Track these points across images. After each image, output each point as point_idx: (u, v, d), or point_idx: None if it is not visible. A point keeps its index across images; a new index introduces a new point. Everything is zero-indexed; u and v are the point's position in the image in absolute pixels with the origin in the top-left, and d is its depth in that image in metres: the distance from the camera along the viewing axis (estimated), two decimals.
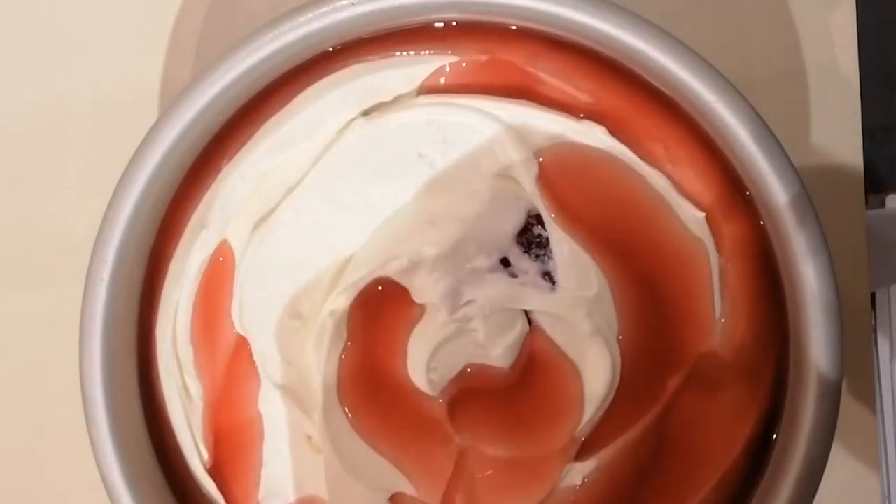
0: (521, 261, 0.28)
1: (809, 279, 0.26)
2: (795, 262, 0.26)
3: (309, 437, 0.28)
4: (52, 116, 0.34)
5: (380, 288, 0.28)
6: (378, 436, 0.28)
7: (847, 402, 0.26)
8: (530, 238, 0.28)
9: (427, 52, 0.28)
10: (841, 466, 0.32)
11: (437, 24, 0.27)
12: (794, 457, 0.26)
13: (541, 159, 0.27)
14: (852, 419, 0.32)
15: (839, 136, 0.32)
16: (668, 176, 0.27)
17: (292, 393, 0.28)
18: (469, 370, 0.28)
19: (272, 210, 0.28)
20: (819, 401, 0.26)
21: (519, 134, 0.27)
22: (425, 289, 0.28)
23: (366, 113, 0.28)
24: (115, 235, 0.27)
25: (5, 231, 0.34)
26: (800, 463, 0.26)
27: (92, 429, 0.27)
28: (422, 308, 0.28)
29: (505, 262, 0.28)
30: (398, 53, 0.28)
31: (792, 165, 0.26)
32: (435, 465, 0.28)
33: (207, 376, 0.28)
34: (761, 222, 0.27)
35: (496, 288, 0.28)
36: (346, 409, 0.28)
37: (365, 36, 0.27)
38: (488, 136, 0.27)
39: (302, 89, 0.28)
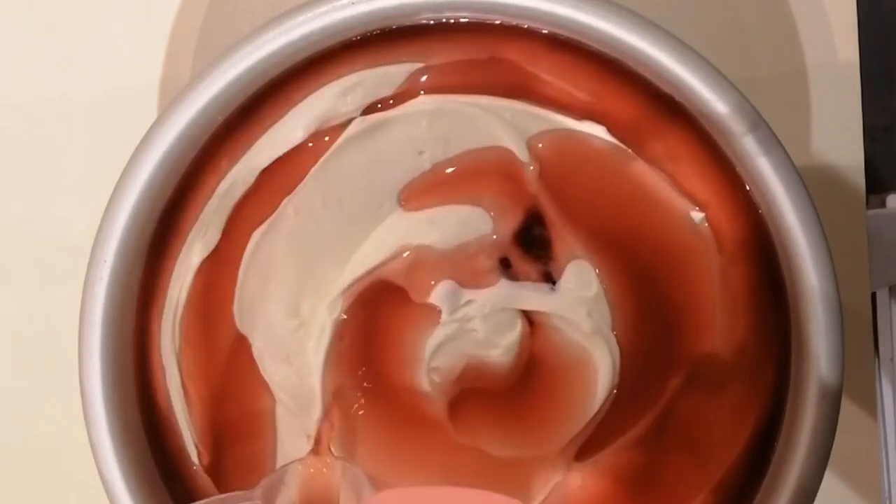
0: (521, 261, 0.28)
1: (810, 278, 0.26)
2: (797, 261, 0.26)
3: (309, 437, 0.28)
4: (51, 116, 0.34)
5: (380, 288, 0.28)
6: (377, 436, 0.28)
7: (847, 402, 0.26)
8: (530, 238, 0.28)
9: (427, 50, 0.28)
10: (841, 466, 0.32)
11: (436, 23, 0.27)
12: (795, 457, 0.26)
13: (541, 159, 0.27)
14: (852, 419, 0.32)
15: (839, 136, 0.32)
16: (669, 175, 0.27)
17: (292, 393, 0.28)
18: (469, 370, 0.28)
19: (272, 210, 0.28)
20: (820, 401, 0.26)
21: (519, 133, 0.27)
22: (425, 289, 0.28)
23: (366, 111, 0.28)
24: (115, 235, 0.26)
25: (5, 231, 0.34)
26: (800, 463, 0.26)
27: (91, 429, 0.27)
28: (422, 308, 0.28)
29: (505, 263, 0.28)
30: (398, 52, 0.28)
31: (792, 163, 0.26)
32: (432, 462, 0.28)
33: (207, 376, 0.28)
34: (762, 221, 0.27)
35: (496, 288, 0.28)
36: (346, 409, 0.28)
37: (364, 35, 0.27)
38: (488, 136, 0.27)
39: (301, 88, 0.28)
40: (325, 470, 0.26)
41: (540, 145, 0.27)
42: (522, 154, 0.27)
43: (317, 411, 0.28)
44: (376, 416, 0.28)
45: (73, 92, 0.33)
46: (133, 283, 0.28)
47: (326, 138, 0.28)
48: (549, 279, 0.28)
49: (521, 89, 0.28)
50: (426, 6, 0.27)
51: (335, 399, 0.28)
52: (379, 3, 0.26)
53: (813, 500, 0.26)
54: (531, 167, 0.27)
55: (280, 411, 0.28)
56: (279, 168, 0.28)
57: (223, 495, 0.25)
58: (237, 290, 0.28)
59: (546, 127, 0.27)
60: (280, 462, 0.28)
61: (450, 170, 0.28)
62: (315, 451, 0.28)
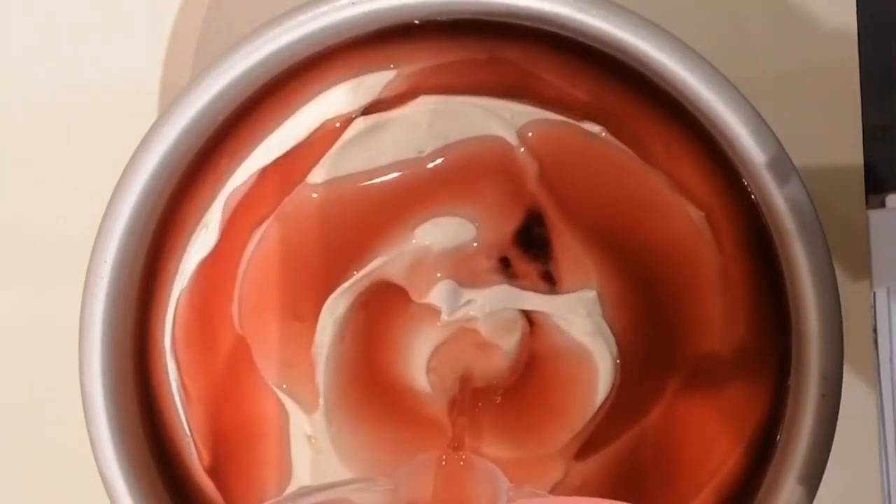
0: (521, 261, 0.28)
1: (810, 278, 0.26)
2: (797, 262, 0.26)
3: (309, 437, 0.28)
4: (52, 116, 0.34)
5: (380, 288, 0.28)
6: (378, 436, 0.28)
7: (847, 402, 0.26)
8: (530, 238, 0.28)
9: (427, 50, 0.28)
10: (841, 466, 0.32)
11: (437, 23, 0.27)
12: (795, 457, 0.26)
13: (540, 159, 0.27)
14: (852, 419, 0.32)
15: (839, 136, 0.32)
16: (669, 175, 0.27)
17: (292, 393, 0.28)
18: (469, 370, 0.28)
19: (272, 210, 0.28)
20: (820, 401, 0.26)
21: (519, 133, 0.27)
22: (425, 289, 0.28)
23: (366, 111, 0.28)
24: (115, 235, 0.26)
25: (5, 231, 0.34)
26: (800, 463, 0.26)
27: (92, 428, 0.27)
28: (422, 308, 0.28)
29: (505, 262, 0.28)
30: (398, 52, 0.28)
31: (792, 164, 0.26)
32: None
33: (207, 376, 0.28)
34: (762, 221, 0.27)
35: (496, 288, 0.28)
36: (347, 408, 0.28)
37: (365, 34, 0.27)
38: (488, 135, 0.27)
39: (302, 88, 0.28)
40: (462, 465, 0.25)
41: (540, 145, 0.27)
42: (522, 153, 0.27)
43: (317, 412, 0.28)
44: (376, 416, 0.28)
45: (73, 92, 0.33)
46: (133, 282, 0.28)
47: (327, 138, 0.28)
48: (549, 279, 0.28)
49: (521, 89, 0.28)
50: (426, 6, 0.27)
51: (467, 390, 0.28)
52: (379, 3, 0.26)
53: (812, 499, 0.26)
54: (531, 166, 0.27)
55: (280, 412, 0.28)
56: (279, 168, 0.28)
57: (362, 478, 0.24)
58: (237, 290, 0.28)
59: (546, 127, 0.27)
60: (281, 463, 0.28)
61: (444, 160, 0.28)
62: (452, 445, 0.27)
